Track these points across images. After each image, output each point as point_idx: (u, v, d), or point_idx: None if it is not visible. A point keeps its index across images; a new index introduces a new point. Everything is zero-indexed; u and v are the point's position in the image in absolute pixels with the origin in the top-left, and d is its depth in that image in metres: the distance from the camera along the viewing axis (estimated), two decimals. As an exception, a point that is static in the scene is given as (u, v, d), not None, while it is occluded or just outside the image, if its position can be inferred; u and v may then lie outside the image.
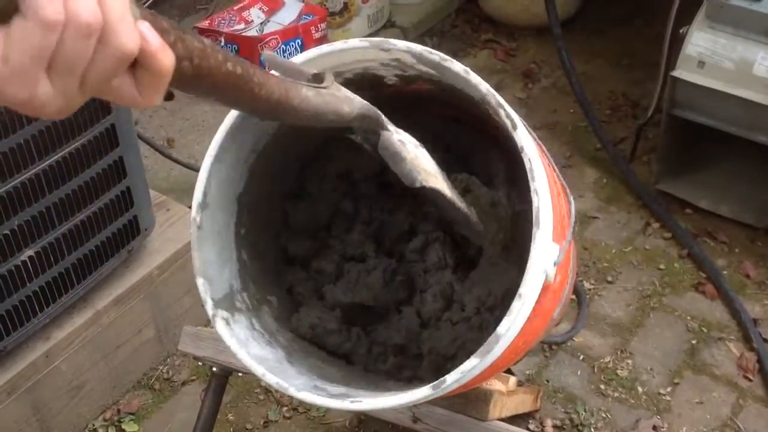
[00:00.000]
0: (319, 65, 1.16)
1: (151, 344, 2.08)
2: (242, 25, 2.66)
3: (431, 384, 1.06)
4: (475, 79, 1.10)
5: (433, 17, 3.22)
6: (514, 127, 1.08)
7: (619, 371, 2.08)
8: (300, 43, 2.64)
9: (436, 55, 1.12)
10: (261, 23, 2.69)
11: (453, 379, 1.05)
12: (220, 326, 1.18)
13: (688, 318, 2.21)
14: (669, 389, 2.04)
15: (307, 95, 0.86)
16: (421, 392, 1.06)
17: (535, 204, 1.05)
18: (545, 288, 1.06)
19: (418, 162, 1.07)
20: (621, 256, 2.39)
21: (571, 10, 3.22)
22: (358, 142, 1.07)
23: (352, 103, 0.96)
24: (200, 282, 1.19)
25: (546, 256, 1.04)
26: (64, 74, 0.56)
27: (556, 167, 1.24)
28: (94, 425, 1.99)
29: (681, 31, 2.32)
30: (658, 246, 2.41)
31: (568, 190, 1.26)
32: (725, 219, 2.45)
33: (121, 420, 2.00)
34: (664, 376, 2.07)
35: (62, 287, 1.80)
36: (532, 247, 1.04)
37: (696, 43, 2.28)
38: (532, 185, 1.06)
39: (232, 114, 1.18)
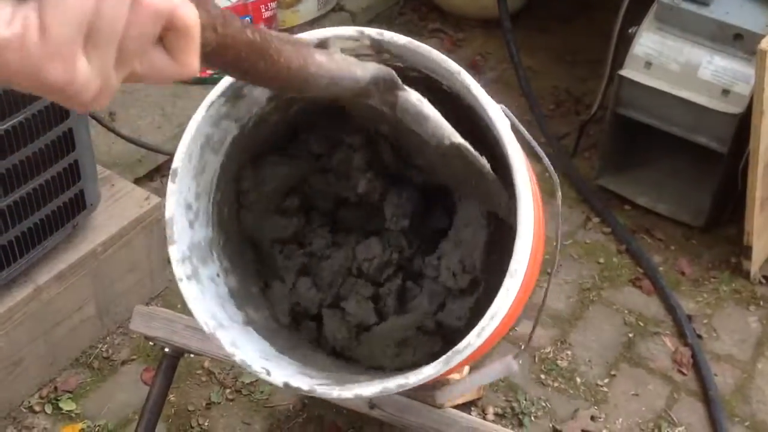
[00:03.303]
0: None
1: (91, 322, 2.03)
2: (191, 0, 2.61)
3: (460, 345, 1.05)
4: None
5: (382, 3, 3.21)
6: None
7: (559, 362, 2.13)
8: (249, 22, 2.60)
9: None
10: (210, -1, 2.64)
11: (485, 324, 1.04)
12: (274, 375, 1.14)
13: (626, 312, 2.26)
14: (606, 381, 2.09)
15: (321, 60, 0.83)
16: (434, 367, 1.05)
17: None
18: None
19: (440, 119, 1.04)
20: (562, 249, 2.43)
21: (518, 4, 3.25)
22: (378, 107, 1.01)
23: (364, 66, 0.93)
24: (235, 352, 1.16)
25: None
26: (101, 45, 0.51)
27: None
28: (29, 402, 1.94)
29: (630, 31, 2.37)
30: (597, 240, 2.47)
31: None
32: (662, 217, 2.52)
33: (59, 398, 1.95)
34: (602, 367, 2.13)
35: (4, 261, 1.74)
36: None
37: (644, 43, 2.33)
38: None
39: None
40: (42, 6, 0.48)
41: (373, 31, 1.10)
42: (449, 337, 1.30)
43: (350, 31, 1.11)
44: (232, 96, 1.16)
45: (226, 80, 1.14)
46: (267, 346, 1.21)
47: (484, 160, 1.12)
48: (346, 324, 1.33)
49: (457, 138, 1.05)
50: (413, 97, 1.02)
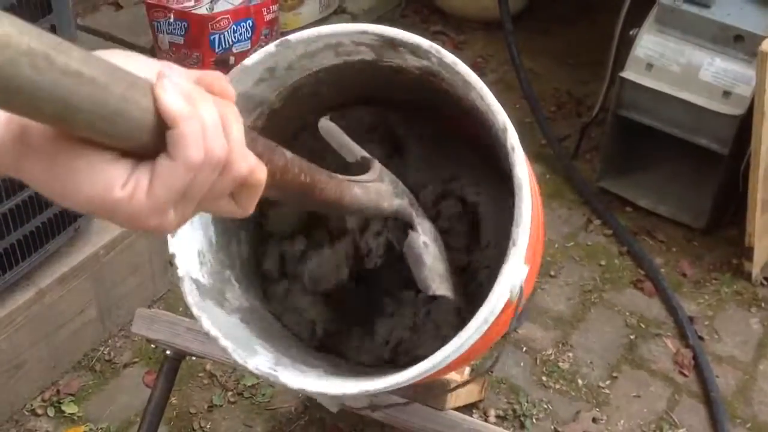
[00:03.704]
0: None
1: (93, 325, 2.04)
2: (192, 2, 2.61)
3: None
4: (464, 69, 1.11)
5: (384, 5, 3.22)
6: (512, 149, 1.09)
7: (560, 364, 2.13)
8: (251, 24, 2.61)
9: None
10: (211, 1, 2.64)
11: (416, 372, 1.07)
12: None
13: (627, 314, 2.26)
14: (608, 382, 2.09)
15: (357, 193, 0.93)
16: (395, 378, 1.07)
17: (516, 217, 1.07)
18: (506, 306, 1.08)
19: (435, 266, 1.12)
20: (563, 251, 2.44)
21: (519, 6, 3.26)
22: (389, 239, 1.13)
23: (391, 200, 1.03)
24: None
25: (515, 275, 1.06)
26: (189, 201, 0.59)
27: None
28: (32, 405, 1.94)
29: (631, 33, 2.38)
30: (599, 242, 2.47)
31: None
32: (663, 218, 2.52)
33: (61, 401, 1.95)
34: (604, 369, 2.13)
35: (6, 264, 1.75)
36: (504, 264, 1.05)
37: (645, 45, 2.33)
38: (518, 198, 1.08)
39: None
40: (154, 175, 0.57)
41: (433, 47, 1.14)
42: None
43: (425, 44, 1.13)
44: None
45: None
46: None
47: (456, 297, 1.20)
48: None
49: (442, 291, 1.12)
50: (420, 240, 1.10)
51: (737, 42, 2.22)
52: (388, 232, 1.29)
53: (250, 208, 0.66)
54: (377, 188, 1.00)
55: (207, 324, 1.13)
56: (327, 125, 1.11)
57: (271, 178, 0.69)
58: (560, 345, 2.17)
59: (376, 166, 1.02)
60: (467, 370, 1.60)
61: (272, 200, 0.79)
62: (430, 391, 1.40)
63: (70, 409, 1.94)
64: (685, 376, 2.11)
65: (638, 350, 2.17)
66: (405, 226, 1.12)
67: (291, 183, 0.75)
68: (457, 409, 1.62)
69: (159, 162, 0.57)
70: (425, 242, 1.11)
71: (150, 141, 0.56)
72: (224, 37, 2.57)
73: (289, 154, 0.75)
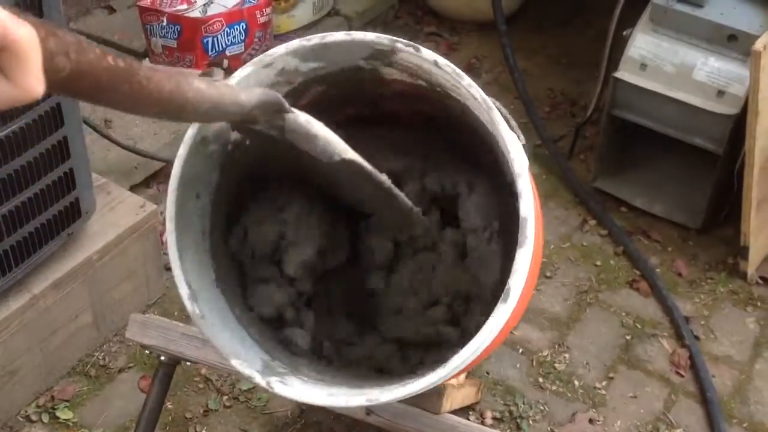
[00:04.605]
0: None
1: (87, 330, 2.03)
2: (185, 6, 2.61)
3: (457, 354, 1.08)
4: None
5: (378, 7, 3.21)
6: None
7: (556, 365, 2.12)
8: (245, 27, 2.60)
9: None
10: (204, 4, 2.63)
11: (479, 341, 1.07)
12: (281, 389, 1.14)
13: (623, 314, 2.26)
14: (604, 383, 2.09)
15: (200, 87, 0.83)
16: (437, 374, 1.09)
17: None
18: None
19: (330, 137, 1.06)
20: (559, 251, 2.43)
21: (513, 7, 3.25)
22: (266, 132, 1.02)
23: (249, 92, 0.94)
24: (237, 363, 1.15)
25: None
26: None
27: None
28: (26, 412, 1.93)
29: (624, 33, 2.38)
30: (594, 243, 2.47)
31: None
32: (659, 218, 2.52)
33: (56, 407, 1.95)
34: (600, 370, 2.12)
35: (-1, 270, 1.74)
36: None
37: (639, 45, 2.33)
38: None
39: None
40: None
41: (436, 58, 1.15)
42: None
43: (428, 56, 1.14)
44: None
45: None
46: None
47: (383, 176, 1.16)
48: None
49: (348, 154, 1.07)
50: (301, 118, 1.04)
51: (731, 41, 2.22)
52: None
53: (29, 85, 0.58)
54: (226, 84, 0.92)
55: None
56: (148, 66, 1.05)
57: (65, 57, 0.62)
58: (556, 346, 2.17)
59: (219, 72, 0.97)
60: (462, 375, 1.60)
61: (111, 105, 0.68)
62: (426, 394, 1.39)
63: (64, 415, 1.93)
64: (681, 376, 2.10)
65: (634, 351, 2.17)
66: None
67: (97, 67, 0.67)
68: (453, 411, 1.62)
69: None
70: (307, 120, 1.04)
71: None
72: (217, 40, 2.56)
73: (84, 38, 0.67)
